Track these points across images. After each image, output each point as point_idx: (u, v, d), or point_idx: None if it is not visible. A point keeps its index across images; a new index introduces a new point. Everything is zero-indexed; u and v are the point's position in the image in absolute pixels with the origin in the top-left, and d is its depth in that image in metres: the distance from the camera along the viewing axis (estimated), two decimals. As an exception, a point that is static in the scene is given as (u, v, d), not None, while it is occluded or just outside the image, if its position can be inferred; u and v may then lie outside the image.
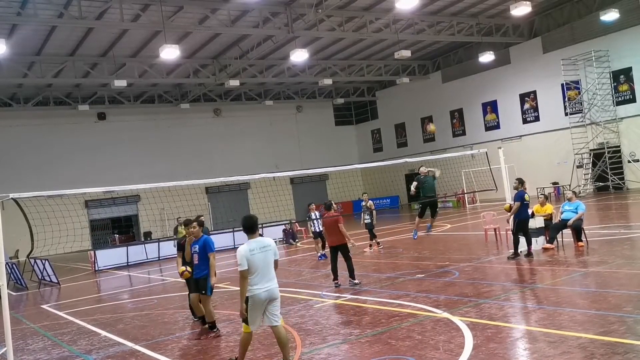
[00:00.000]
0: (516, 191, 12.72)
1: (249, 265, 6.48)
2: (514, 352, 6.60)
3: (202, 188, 36.42)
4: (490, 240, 16.02)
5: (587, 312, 7.72)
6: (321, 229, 14.90)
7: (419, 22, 28.38)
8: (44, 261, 18.38)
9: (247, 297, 6.55)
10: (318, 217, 16.76)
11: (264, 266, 6.56)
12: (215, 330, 8.83)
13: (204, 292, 8.74)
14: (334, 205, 14.52)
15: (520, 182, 12.85)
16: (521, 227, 12.57)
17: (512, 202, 12.95)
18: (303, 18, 24.14)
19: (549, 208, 14.15)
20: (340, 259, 11.72)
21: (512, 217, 12.67)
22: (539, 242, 13.49)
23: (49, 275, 18.41)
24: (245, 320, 6.64)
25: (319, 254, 16.65)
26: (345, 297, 10.64)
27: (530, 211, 13.88)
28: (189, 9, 22.63)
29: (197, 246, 8.88)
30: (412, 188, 14.85)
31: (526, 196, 12.47)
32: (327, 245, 13.05)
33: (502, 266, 12.27)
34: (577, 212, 13.26)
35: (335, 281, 11.65)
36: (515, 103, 34.01)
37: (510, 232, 13.14)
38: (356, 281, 11.54)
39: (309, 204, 17.74)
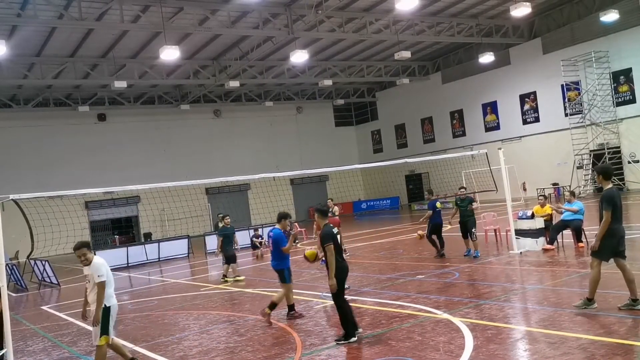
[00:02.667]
0: (429, 200, 14.68)
1: (108, 277, 7.08)
2: (514, 353, 6.60)
3: (202, 189, 36.44)
4: (490, 241, 16.01)
5: (588, 312, 7.71)
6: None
7: (419, 23, 28.40)
8: (44, 262, 18.38)
9: (108, 307, 7.03)
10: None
11: (112, 279, 7.26)
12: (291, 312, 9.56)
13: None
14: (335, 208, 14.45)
15: (430, 192, 15.07)
16: (435, 230, 14.17)
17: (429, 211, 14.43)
18: (303, 19, 24.15)
19: (549, 209, 14.18)
20: None
21: (427, 222, 14.27)
22: (539, 243, 13.51)
23: (49, 277, 18.40)
24: (106, 331, 7.01)
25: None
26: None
27: (530, 212, 13.99)
28: (189, 10, 22.63)
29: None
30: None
31: (438, 204, 14.34)
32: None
33: (502, 267, 12.28)
34: (577, 213, 13.26)
35: None
36: (515, 104, 34.03)
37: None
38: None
39: (330, 198, 17.58)
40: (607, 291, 8.78)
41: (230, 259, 14.93)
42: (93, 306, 7.05)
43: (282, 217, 9.68)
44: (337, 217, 12.27)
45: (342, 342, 7.56)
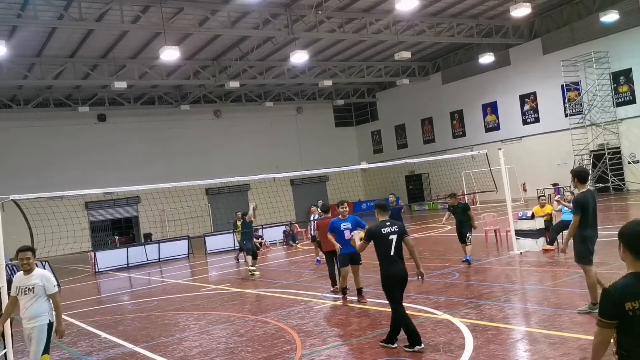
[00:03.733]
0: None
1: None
2: (514, 353, 6.60)
3: (202, 189, 36.44)
4: (490, 241, 16.01)
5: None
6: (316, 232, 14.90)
7: (419, 23, 28.40)
8: (44, 263, 18.30)
9: (51, 323, 6.38)
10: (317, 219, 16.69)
11: None
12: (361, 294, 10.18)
13: (360, 262, 10.18)
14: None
15: (393, 194, 16.05)
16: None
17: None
18: (303, 19, 24.16)
19: (549, 209, 14.19)
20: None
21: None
22: (539, 244, 13.51)
23: (49, 277, 18.37)
24: (48, 350, 6.33)
25: (317, 258, 16.55)
26: (346, 298, 10.61)
27: (530, 212, 14.01)
28: (189, 11, 22.63)
29: (348, 223, 10.20)
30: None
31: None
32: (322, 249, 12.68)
33: (502, 267, 12.27)
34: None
35: (335, 286, 11.12)
36: (515, 104, 34.03)
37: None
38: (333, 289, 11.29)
39: (316, 203, 17.73)
40: (607, 291, 8.78)
41: (252, 253, 15.48)
42: (32, 322, 6.33)
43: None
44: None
45: (383, 344, 7.22)
